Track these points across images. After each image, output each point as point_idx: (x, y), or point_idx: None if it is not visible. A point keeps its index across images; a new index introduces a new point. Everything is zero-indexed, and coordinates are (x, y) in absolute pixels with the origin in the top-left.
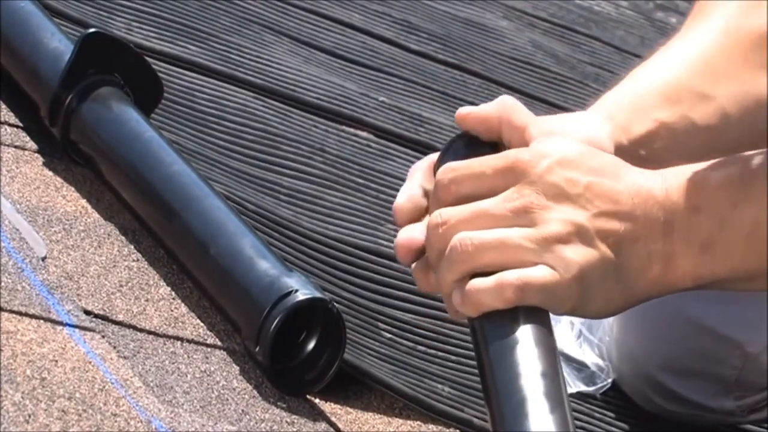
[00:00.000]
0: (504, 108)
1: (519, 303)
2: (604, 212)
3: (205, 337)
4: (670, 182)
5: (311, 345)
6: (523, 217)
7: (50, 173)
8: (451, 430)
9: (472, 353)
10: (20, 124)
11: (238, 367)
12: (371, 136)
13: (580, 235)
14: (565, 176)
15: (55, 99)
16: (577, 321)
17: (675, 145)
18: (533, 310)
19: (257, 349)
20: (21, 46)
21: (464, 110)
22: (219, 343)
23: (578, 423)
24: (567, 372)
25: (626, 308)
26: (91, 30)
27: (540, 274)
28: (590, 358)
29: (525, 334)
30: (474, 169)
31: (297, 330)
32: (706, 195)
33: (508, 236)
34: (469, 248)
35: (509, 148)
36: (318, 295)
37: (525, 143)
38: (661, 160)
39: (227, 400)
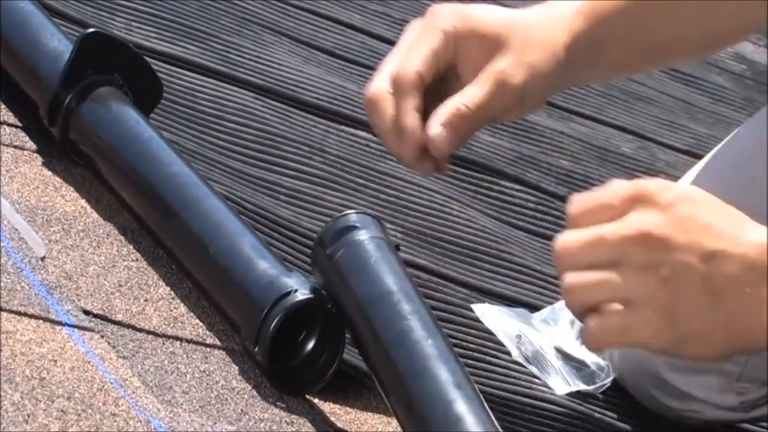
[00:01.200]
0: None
1: (620, 347)
2: (717, 252)
3: (204, 337)
4: None
5: (310, 345)
6: (639, 246)
7: (49, 173)
8: None
9: (473, 354)
10: (19, 124)
11: (237, 367)
12: (371, 136)
13: (686, 274)
14: (688, 211)
15: (54, 99)
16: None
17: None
18: None
19: (256, 349)
20: (20, 46)
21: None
22: (218, 343)
23: (578, 423)
24: (567, 371)
25: (728, 354)
26: (91, 30)
27: (637, 317)
28: (590, 357)
29: None
30: (602, 199)
31: (296, 330)
32: None
33: (617, 284)
34: (585, 292)
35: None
36: (317, 295)
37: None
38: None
39: (226, 400)
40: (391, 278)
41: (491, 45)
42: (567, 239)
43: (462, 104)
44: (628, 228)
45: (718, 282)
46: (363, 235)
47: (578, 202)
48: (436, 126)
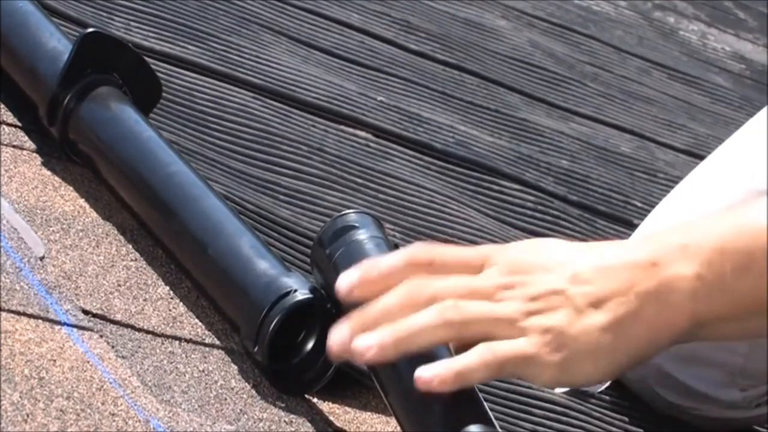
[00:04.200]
0: None
1: (500, 375)
2: (580, 273)
3: (204, 337)
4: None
5: (310, 345)
6: (506, 292)
7: (48, 173)
8: None
9: None
10: (18, 124)
11: (236, 367)
12: (370, 136)
13: (559, 300)
14: (539, 251)
15: (53, 99)
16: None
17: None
18: None
19: (256, 348)
20: (19, 46)
21: None
22: (217, 343)
23: (578, 423)
24: None
25: (621, 369)
26: (90, 30)
27: (517, 344)
28: None
29: None
30: (450, 256)
31: (296, 330)
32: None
33: (495, 309)
34: (462, 316)
35: None
36: (317, 295)
37: None
38: None
39: (225, 399)
40: None
41: None
42: (436, 285)
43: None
44: (494, 279)
45: (592, 300)
46: (362, 235)
47: (426, 248)
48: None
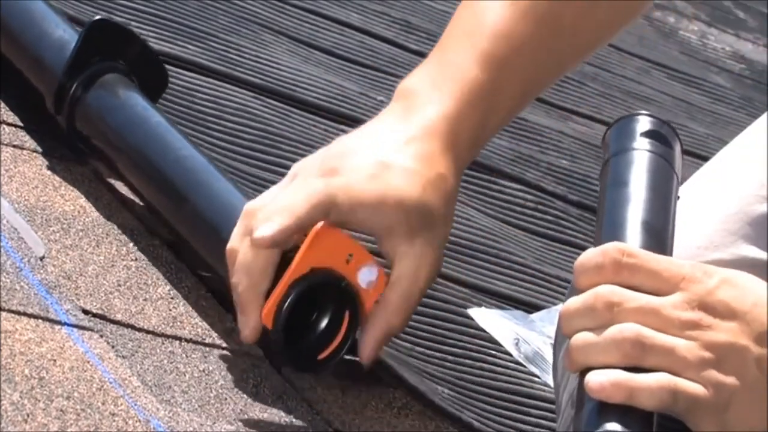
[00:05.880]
0: None
1: (666, 408)
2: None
3: (204, 337)
4: None
5: (324, 324)
6: (690, 330)
7: (48, 172)
8: (450, 430)
9: (471, 353)
10: (18, 124)
11: (236, 367)
12: None
13: (739, 357)
14: (733, 294)
15: (60, 88)
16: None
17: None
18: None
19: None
20: (24, 36)
21: None
22: (217, 343)
23: None
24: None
25: None
26: (97, 18)
27: (694, 388)
28: None
29: None
30: (651, 264)
31: (310, 310)
32: None
33: (677, 346)
34: (642, 345)
35: None
36: (333, 274)
37: None
38: None
39: (226, 399)
40: None
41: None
42: (621, 295)
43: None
44: (684, 311)
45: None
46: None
47: (626, 250)
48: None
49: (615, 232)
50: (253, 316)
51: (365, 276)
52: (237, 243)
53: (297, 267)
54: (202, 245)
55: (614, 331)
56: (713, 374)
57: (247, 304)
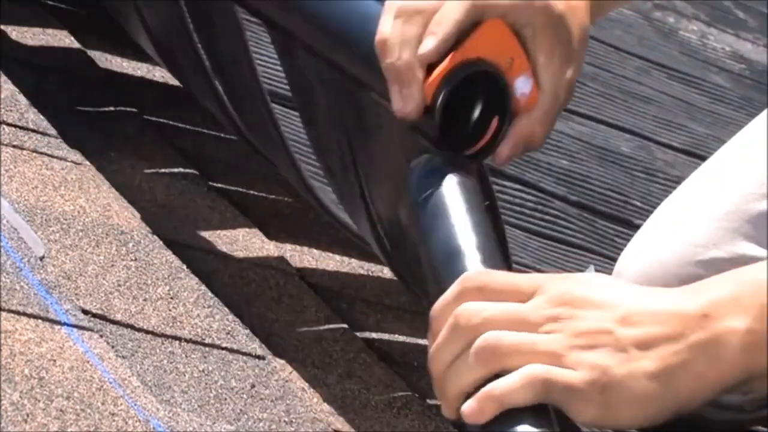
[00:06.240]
0: None
1: (543, 399)
2: (631, 315)
3: (203, 337)
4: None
5: (474, 119)
6: (553, 324)
7: (48, 173)
8: (450, 429)
9: None
10: (18, 124)
11: (235, 367)
12: None
13: (606, 339)
14: (591, 289)
15: None
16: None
17: None
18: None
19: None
20: None
21: None
22: (217, 343)
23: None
24: None
25: (665, 417)
26: None
27: (566, 373)
28: None
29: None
30: (506, 280)
31: (462, 105)
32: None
33: (539, 341)
34: (502, 349)
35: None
36: (497, 69)
37: None
38: None
39: (225, 399)
40: None
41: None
42: (477, 308)
43: None
44: (544, 310)
45: (641, 342)
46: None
47: (475, 277)
48: None
49: (456, 266)
50: (417, 86)
51: (520, 85)
52: (387, 29)
53: (466, 49)
54: (346, 43)
55: (475, 344)
56: (583, 356)
57: (411, 74)
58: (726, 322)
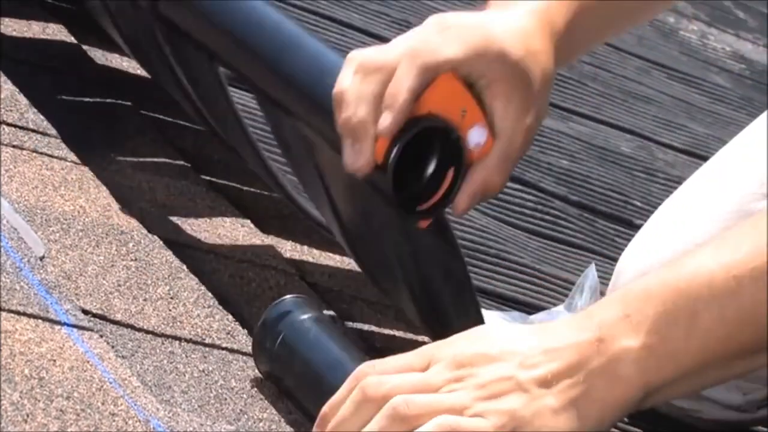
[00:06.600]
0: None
1: None
2: (527, 359)
3: (203, 337)
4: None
5: (428, 174)
6: (456, 383)
7: (48, 173)
8: None
9: None
10: (18, 124)
11: (236, 367)
12: None
13: (509, 386)
14: (480, 345)
15: None
16: None
17: (594, 20)
18: None
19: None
20: None
21: None
22: (217, 343)
23: None
24: None
25: None
26: None
27: (475, 422)
28: None
29: None
30: (399, 360)
31: (414, 161)
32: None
33: (444, 399)
34: (411, 408)
35: None
36: (448, 123)
37: None
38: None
39: (225, 399)
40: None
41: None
42: (385, 379)
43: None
44: (443, 374)
45: (541, 380)
46: (301, 316)
47: (370, 366)
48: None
49: (340, 371)
50: (368, 145)
51: (474, 136)
52: (346, 83)
53: (417, 105)
54: (303, 100)
55: (385, 408)
56: (489, 405)
57: (363, 132)
58: (620, 342)
